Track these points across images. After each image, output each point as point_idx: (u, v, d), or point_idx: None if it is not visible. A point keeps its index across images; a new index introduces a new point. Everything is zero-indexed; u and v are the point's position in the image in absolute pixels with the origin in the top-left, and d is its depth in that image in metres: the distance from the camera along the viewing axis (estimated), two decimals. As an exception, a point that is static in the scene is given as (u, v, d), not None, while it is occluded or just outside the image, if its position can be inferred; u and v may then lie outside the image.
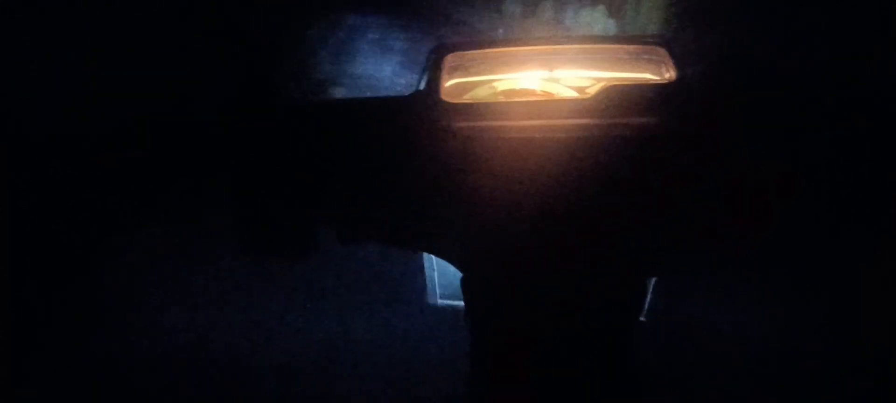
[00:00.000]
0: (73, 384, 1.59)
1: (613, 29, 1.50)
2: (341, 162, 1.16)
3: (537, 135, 1.10)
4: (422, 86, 1.18)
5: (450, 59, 1.24)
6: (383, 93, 1.54)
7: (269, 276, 1.64)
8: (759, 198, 1.13)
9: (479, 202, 1.12)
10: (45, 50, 1.46)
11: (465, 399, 1.22)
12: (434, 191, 1.13)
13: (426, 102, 1.14)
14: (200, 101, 1.42)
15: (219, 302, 1.64)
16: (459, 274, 1.22)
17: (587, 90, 1.20)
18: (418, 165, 1.12)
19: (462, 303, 1.22)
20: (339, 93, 1.54)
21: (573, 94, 1.21)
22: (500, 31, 1.49)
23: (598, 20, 1.49)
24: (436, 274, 1.42)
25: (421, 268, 1.42)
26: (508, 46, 1.29)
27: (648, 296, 1.29)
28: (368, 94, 1.54)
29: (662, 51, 1.23)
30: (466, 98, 1.22)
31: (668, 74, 1.19)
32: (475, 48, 1.29)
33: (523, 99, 1.22)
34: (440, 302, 1.44)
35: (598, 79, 1.23)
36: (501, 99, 1.23)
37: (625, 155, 1.09)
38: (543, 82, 1.25)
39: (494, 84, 1.26)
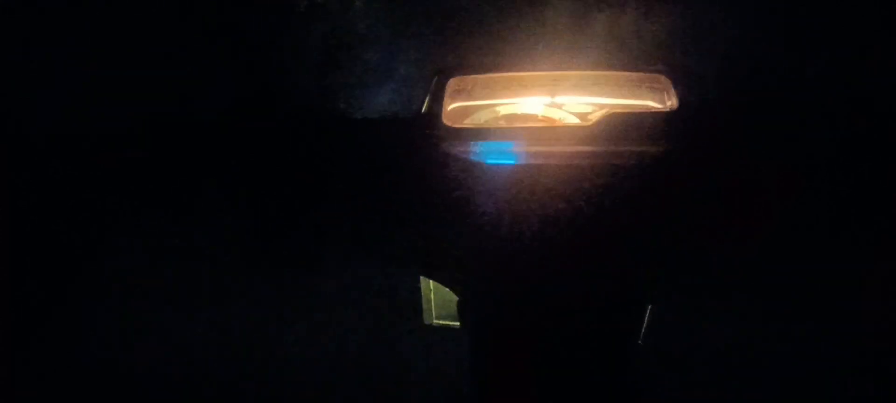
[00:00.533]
0: (73, 384, 1.59)
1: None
2: (342, 181, 1.17)
3: (538, 160, 1.10)
4: (424, 109, 1.19)
5: (453, 84, 1.25)
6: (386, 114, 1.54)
7: (269, 279, 1.64)
8: (757, 210, 1.13)
9: (477, 226, 1.12)
10: (45, 50, 1.46)
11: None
12: (433, 214, 1.14)
13: (428, 125, 1.15)
14: (200, 101, 1.42)
15: (218, 303, 1.64)
16: (456, 297, 1.23)
17: (589, 117, 1.21)
18: (418, 188, 1.13)
19: (458, 325, 1.22)
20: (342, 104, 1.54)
21: (575, 121, 1.21)
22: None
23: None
24: (432, 294, 1.42)
25: (418, 289, 1.42)
26: (511, 72, 1.30)
27: (646, 320, 1.29)
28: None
29: (664, 78, 1.23)
30: (468, 122, 1.23)
31: (670, 102, 1.19)
32: (478, 72, 1.29)
33: (525, 124, 1.22)
34: (436, 322, 1.44)
35: (600, 106, 1.24)
36: (503, 124, 1.23)
37: (625, 182, 1.09)
38: (545, 108, 1.25)
39: (496, 108, 1.26)
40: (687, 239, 1.13)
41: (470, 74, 1.28)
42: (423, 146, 1.11)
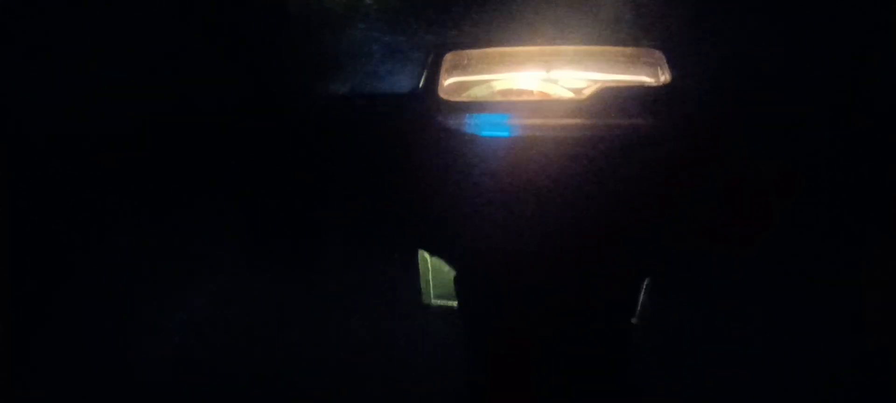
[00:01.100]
0: (73, 384, 1.58)
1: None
2: (338, 158, 1.17)
3: (533, 134, 1.11)
4: (420, 84, 1.19)
5: (449, 58, 1.26)
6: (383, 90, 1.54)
7: (269, 275, 1.64)
8: (755, 199, 1.13)
9: (473, 200, 1.13)
10: (45, 50, 1.46)
11: (460, 396, 1.22)
12: (430, 188, 1.14)
13: (424, 100, 1.16)
14: (200, 101, 1.42)
15: (218, 302, 1.64)
16: (453, 274, 1.23)
17: (583, 91, 1.22)
18: (415, 162, 1.13)
19: (456, 303, 1.23)
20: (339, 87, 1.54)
21: (569, 95, 1.22)
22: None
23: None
24: (430, 274, 1.43)
25: (415, 267, 1.42)
26: (507, 47, 1.31)
27: (641, 297, 1.29)
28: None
29: (658, 54, 1.24)
30: (464, 96, 1.24)
31: (664, 77, 1.20)
32: (474, 48, 1.30)
33: (520, 99, 1.23)
34: (434, 302, 1.45)
35: (595, 81, 1.24)
36: (498, 98, 1.24)
37: (620, 155, 1.10)
38: (540, 83, 1.26)
39: (492, 83, 1.27)
40: (680, 212, 1.13)
41: (466, 49, 1.29)
42: (419, 120, 1.12)
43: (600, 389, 1.20)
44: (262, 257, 1.57)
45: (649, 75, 1.25)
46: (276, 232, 1.35)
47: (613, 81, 1.24)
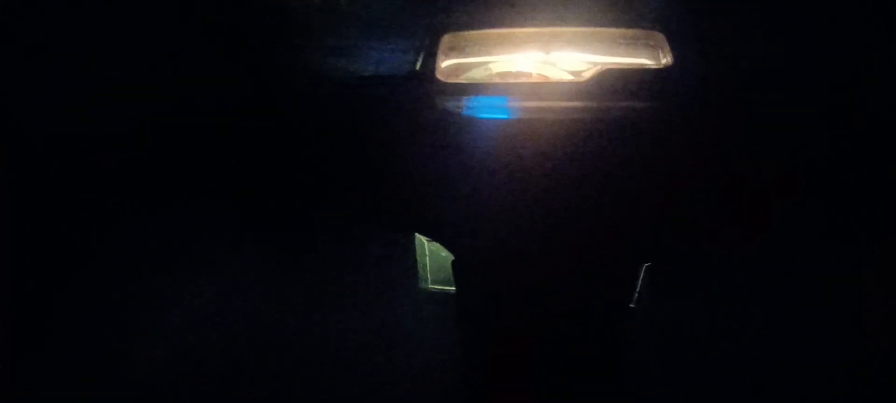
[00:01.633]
0: (73, 384, 1.58)
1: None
2: (337, 140, 1.17)
3: (531, 115, 1.10)
4: (418, 66, 1.19)
5: (447, 40, 1.24)
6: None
7: (268, 271, 1.64)
8: (755, 198, 1.13)
9: (471, 182, 1.12)
10: (45, 50, 1.46)
11: (457, 381, 1.21)
12: (428, 170, 1.14)
13: (422, 82, 1.15)
14: (200, 101, 1.42)
15: (218, 302, 1.64)
16: (450, 260, 1.22)
17: (583, 74, 1.21)
18: (413, 144, 1.13)
19: (452, 288, 1.22)
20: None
21: (569, 77, 1.21)
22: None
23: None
24: (427, 258, 1.43)
25: (412, 253, 1.42)
26: (505, 28, 1.29)
27: (639, 282, 1.28)
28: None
29: (660, 36, 1.23)
30: (462, 78, 1.23)
31: (665, 59, 1.19)
32: (472, 29, 1.29)
33: (518, 81, 1.22)
34: (431, 286, 1.45)
35: (595, 63, 1.23)
36: (497, 80, 1.23)
37: (619, 138, 1.09)
38: (539, 65, 1.25)
39: (490, 65, 1.26)
40: (679, 195, 1.13)
41: (463, 31, 1.27)
42: (417, 102, 1.12)
43: (598, 385, 1.19)
44: (261, 252, 1.57)
45: (650, 57, 1.24)
46: (274, 224, 1.34)
47: (614, 63, 1.23)
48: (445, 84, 1.15)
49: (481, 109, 1.12)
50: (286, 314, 1.65)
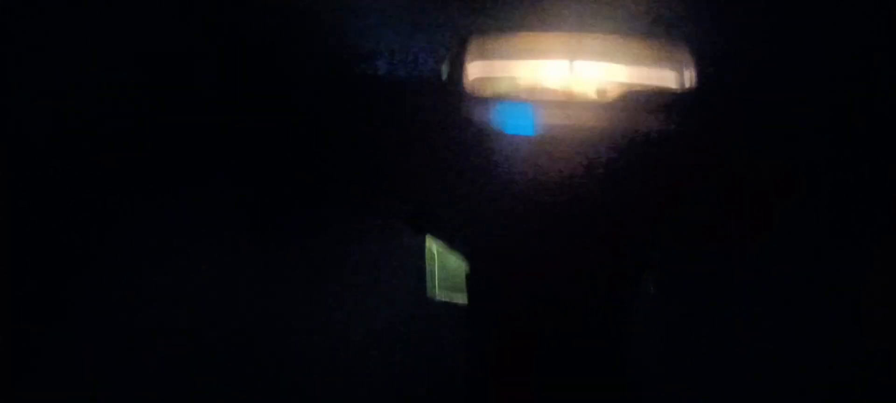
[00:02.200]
0: (73, 384, 1.58)
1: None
2: (359, 144, 1.18)
3: (553, 133, 1.12)
4: (444, 74, 1.20)
5: (473, 48, 1.24)
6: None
7: (270, 271, 1.64)
8: (755, 185, 1.14)
9: (491, 193, 1.13)
10: (45, 50, 1.46)
11: (464, 387, 1.22)
12: (448, 179, 1.15)
13: (448, 89, 1.16)
14: (200, 101, 1.42)
15: (218, 301, 1.64)
16: (459, 268, 1.23)
17: (607, 92, 1.21)
18: (435, 153, 1.14)
19: (461, 296, 1.22)
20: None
21: (593, 94, 1.22)
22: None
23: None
24: (436, 266, 1.43)
25: (422, 260, 1.42)
26: (531, 34, 1.29)
27: (649, 295, 1.29)
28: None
29: (683, 47, 1.23)
30: (488, 90, 1.23)
31: (689, 73, 1.19)
32: (499, 36, 1.29)
33: (544, 96, 1.23)
34: (439, 294, 1.45)
35: (619, 78, 1.23)
36: (523, 93, 1.24)
37: (640, 156, 1.11)
38: (564, 78, 1.25)
39: (516, 75, 1.26)
40: (695, 211, 1.14)
41: (490, 35, 1.28)
42: (443, 110, 1.14)
43: (605, 384, 1.20)
44: (266, 251, 1.57)
45: (675, 70, 1.23)
46: (285, 226, 1.34)
47: (637, 82, 1.22)
48: (473, 97, 1.16)
49: (507, 124, 1.14)
50: (286, 314, 1.65)
